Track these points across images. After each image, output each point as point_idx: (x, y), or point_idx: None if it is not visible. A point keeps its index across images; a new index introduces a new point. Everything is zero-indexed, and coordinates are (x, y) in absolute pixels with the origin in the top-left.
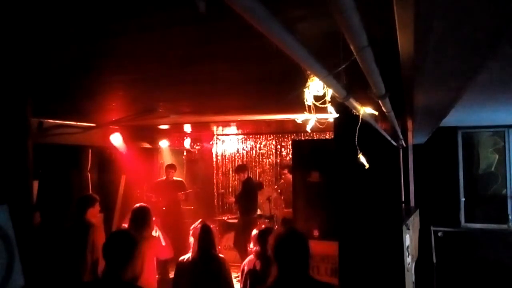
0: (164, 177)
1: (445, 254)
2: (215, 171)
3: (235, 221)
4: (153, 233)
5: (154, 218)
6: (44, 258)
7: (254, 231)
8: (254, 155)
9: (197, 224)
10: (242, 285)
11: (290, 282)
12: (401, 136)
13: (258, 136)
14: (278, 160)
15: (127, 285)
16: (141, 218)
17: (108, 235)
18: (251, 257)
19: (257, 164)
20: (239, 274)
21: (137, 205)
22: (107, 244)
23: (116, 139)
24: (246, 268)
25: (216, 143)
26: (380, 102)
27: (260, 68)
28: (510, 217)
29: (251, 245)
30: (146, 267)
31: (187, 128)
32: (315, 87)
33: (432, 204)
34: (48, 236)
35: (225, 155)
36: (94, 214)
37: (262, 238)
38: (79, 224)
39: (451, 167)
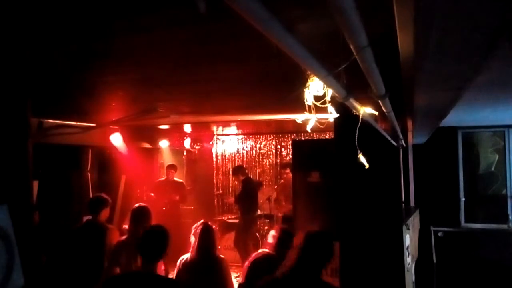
0: (164, 177)
1: (445, 254)
2: (215, 171)
3: (236, 221)
4: None
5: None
6: (53, 259)
7: (272, 232)
8: (254, 155)
9: (198, 223)
10: (244, 277)
11: (302, 278)
12: (401, 136)
13: (258, 136)
14: (278, 160)
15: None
16: (141, 218)
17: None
18: (258, 252)
19: (257, 164)
20: (240, 273)
21: (137, 205)
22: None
23: (116, 139)
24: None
25: (216, 143)
26: (380, 102)
27: (260, 68)
28: (510, 217)
29: (270, 239)
30: None
31: (187, 128)
32: (315, 87)
33: (432, 204)
34: (51, 237)
35: (225, 155)
36: (106, 216)
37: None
38: (94, 226)
39: (451, 167)
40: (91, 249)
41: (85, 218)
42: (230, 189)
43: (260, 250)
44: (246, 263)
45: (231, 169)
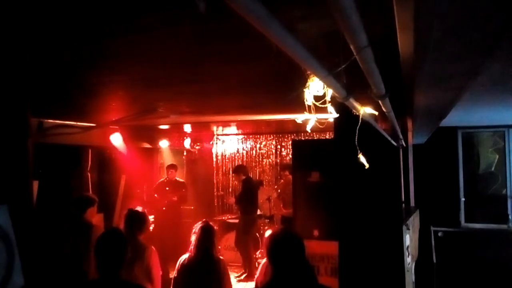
0: (165, 178)
1: (445, 254)
2: (215, 171)
3: (236, 221)
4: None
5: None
6: (46, 258)
7: (268, 232)
8: (254, 155)
9: (199, 223)
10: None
11: (285, 283)
12: (401, 136)
13: (258, 136)
14: (278, 160)
15: (126, 284)
16: (136, 222)
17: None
18: (264, 261)
19: (257, 164)
20: (240, 273)
21: (130, 209)
22: (100, 243)
23: (116, 139)
24: (259, 276)
25: (216, 143)
26: (380, 102)
27: (260, 68)
28: (510, 217)
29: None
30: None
31: (187, 128)
32: (315, 87)
33: (432, 204)
34: (48, 236)
35: (225, 155)
36: (93, 215)
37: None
38: (79, 224)
39: (451, 167)
40: (77, 247)
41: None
42: (230, 189)
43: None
44: (263, 264)
45: (231, 169)
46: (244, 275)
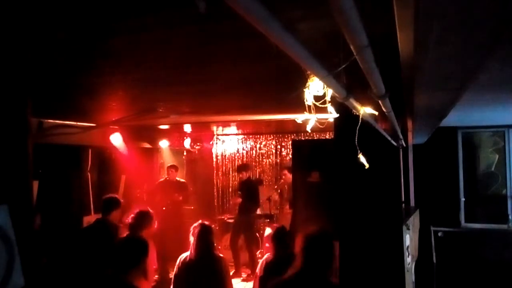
0: (165, 177)
1: (445, 254)
2: (215, 171)
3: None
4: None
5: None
6: (60, 258)
7: (268, 230)
8: (254, 155)
9: (196, 224)
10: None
11: (309, 280)
12: (401, 136)
13: (258, 136)
14: (278, 160)
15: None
16: (143, 221)
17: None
18: (267, 256)
19: (257, 164)
20: (246, 275)
21: (139, 209)
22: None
23: (116, 139)
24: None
25: (216, 143)
26: (380, 102)
27: (260, 68)
28: (510, 217)
29: (267, 244)
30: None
31: (187, 128)
32: (315, 87)
33: (432, 204)
34: (56, 237)
35: (225, 155)
36: (117, 217)
37: (277, 236)
38: (104, 224)
39: (451, 167)
40: (103, 247)
41: (86, 218)
42: (230, 189)
43: (266, 255)
44: (263, 261)
45: (231, 169)
46: (233, 272)
